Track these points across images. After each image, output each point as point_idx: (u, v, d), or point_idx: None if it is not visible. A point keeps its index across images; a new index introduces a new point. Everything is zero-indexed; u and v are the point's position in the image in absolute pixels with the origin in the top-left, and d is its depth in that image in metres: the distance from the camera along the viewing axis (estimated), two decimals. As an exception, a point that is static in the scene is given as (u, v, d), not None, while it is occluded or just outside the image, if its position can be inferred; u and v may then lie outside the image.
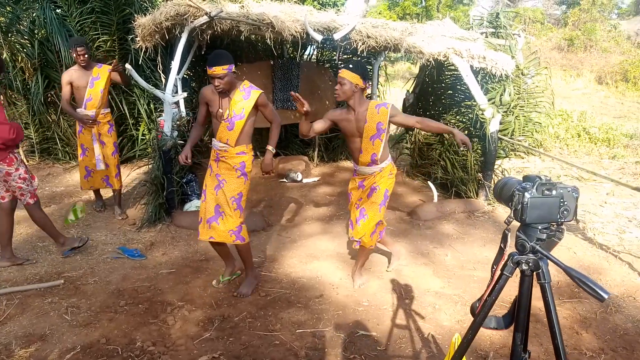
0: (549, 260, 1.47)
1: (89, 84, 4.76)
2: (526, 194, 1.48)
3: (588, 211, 5.29)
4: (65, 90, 4.77)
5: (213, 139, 3.44)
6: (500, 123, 5.43)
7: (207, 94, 3.38)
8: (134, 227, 4.81)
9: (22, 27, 6.87)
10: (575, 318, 3.25)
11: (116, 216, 5.08)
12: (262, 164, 3.49)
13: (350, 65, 3.30)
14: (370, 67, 7.71)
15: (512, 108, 5.65)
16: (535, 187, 1.48)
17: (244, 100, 3.30)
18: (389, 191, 3.56)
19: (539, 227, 1.50)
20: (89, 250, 4.26)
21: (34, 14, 6.69)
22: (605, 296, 1.29)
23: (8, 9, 6.87)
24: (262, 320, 3.19)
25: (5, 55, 6.59)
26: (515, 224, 1.58)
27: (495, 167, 5.59)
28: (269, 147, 3.44)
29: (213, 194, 3.42)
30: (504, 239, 1.57)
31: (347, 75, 3.29)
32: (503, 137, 5.56)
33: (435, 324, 3.18)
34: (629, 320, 3.22)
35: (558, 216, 1.48)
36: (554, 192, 1.47)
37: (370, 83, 3.34)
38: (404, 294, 3.58)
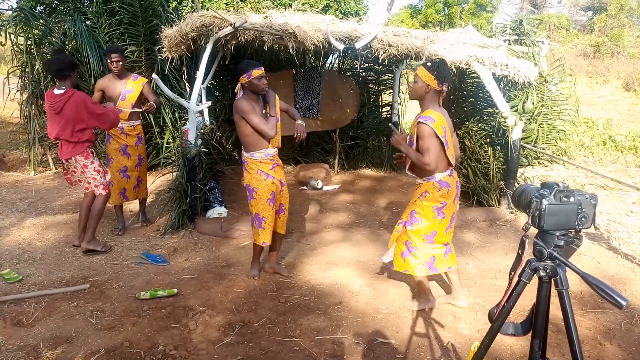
0: (566, 267, 1.46)
1: (121, 96, 4.71)
2: (544, 200, 1.48)
3: (613, 220, 5.17)
4: (95, 97, 4.74)
5: (262, 150, 3.63)
6: (523, 131, 5.38)
7: (252, 103, 3.55)
8: (157, 233, 4.90)
9: (54, 39, 7.10)
10: (598, 329, 3.18)
11: (140, 223, 5.17)
12: (298, 130, 3.65)
13: (428, 64, 3.09)
14: (392, 75, 7.74)
15: (536, 116, 5.59)
16: (553, 194, 1.49)
17: (275, 103, 3.69)
18: (417, 214, 3.26)
19: (557, 234, 1.50)
20: (114, 256, 4.36)
21: (65, 26, 6.91)
22: (623, 303, 1.28)
23: (41, 21, 7.12)
24: (281, 326, 3.21)
25: (37, 65, 6.83)
26: (534, 230, 1.58)
27: (518, 175, 5.53)
28: (299, 121, 3.74)
29: (280, 195, 3.81)
30: (522, 246, 1.57)
31: (421, 73, 3.09)
32: (526, 145, 5.50)
33: (455, 332, 3.16)
34: (656, 332, 3.15)
35: (576, 223, 1.48)
36: (571, 199, 1.47)
37: (448, 86, 3.19)
38: (424, 302, 3.56)
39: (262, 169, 3.67)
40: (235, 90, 3.66)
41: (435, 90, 3.09)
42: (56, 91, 4.05)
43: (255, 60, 7.21)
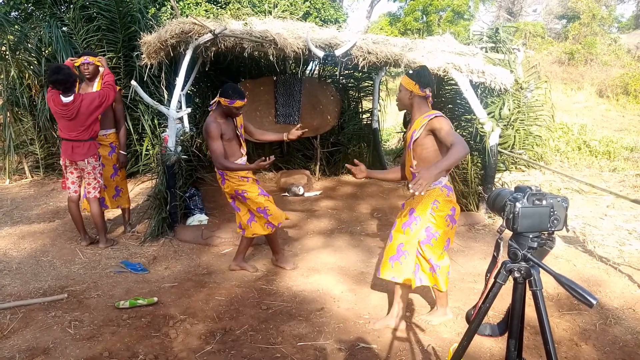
0: (540, 268, 1.51)
1: None
2: (517, 203, 1.52)
3: (588, 224, 5.30)
4: None
5: (238, 160, 3.89)
6: (500, 136, 5.48)
7: (222, 126, 3.75)
8: (137, 242, 4.85)
9: (29, 45, 7.00)
10: (574, 330, 3.25)
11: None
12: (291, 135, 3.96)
13: (410, 71, 3.07)
14: (372, 82, 7.82)
15: (512, 122, 5.72)
16: (526, 197, 1.53)
17: (236, 121, 3.90)
18: (434, 229, 3.03)
19: (530, 236, 1.54)
20: (92, 265, 4.29)
21: (41, 32, 6.83)
22: (594, 302, 1.32)
23: (16, 27, 7.01)
24: (263, 334, 3.21)
25: (13, 72, 6.72)
26: (509, 233, 1.62)
27: (496, 180, 5.63)
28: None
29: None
30: (497, 248, 1.61)
31: (403, 81, 3.07)
32: (503, 150, 5.61)
33: (436, 336, 3.19)
34: (629, 332, 3.23)
35: (548, 225, 1.52)
36: (544, 202, 1.52)
37: (431, 91, 3.05)
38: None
39: (241, 175, 3.87)
40: (211, 103, 3.79)
41: (419, 96, 3.03)
42: (64, 99, 4.20)
43: (235, 67, 7.22)
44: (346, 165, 3.14)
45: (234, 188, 3.87)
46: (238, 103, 3.63)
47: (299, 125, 4.00)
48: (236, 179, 3.85)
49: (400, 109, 3.25)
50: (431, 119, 2.93)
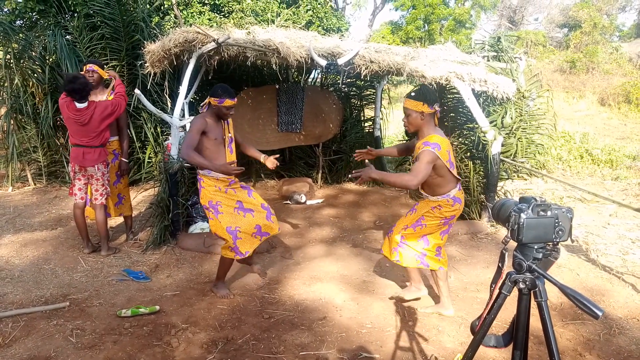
0: (545, 279, 1.50)
1: None
2: (522, 214, 1.52)
3: (591, 233, 5.29)
4: None
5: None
6: (503, 145, 5.48)
7: (208, 125, 3.57)
8: (139, 249, 4.85)
9: (34, 53, 7.05)
10: (578, 340, 3.23)
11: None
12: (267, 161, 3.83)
13: (412, 94, 3.19)
14: (374, 91, 7.84)
15: (514, 130, 5.71)
16: (530, 208, 1.53)
17: (228, 126, 3.76)
18: (425, 219, 3.37)
19: (535, 247, 1.54)
20: (94, 273, 4.29)
21: (46, 41, 6.87)
22: (600, 313, 1.32)
23: (21, 35, 7.06)
24: (265, 343, 3.19)
25: (17, 80, 6.75)
26: (513, 243, 1.62)
27: (498, 188, 5.62)
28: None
29: (250, 199, 3.76)
30: (502, 259, 1.61)
31: (409, 104, 3.17)
32: (505, 159, 5.60)
33: (439, 346, 3.18)
34: (633, 342, 3.20)
35: (553, 236, 1.52)
36: (549, 213, 1.52)
37: (439, 105, 3.22)
38: (407, 316, 3.58)
39: (219, 186, 3.63)
40: (202, 105, 3.73)
41: (429, 114, 3.16)
42: (79, 105, 4.31)
43: (238, 75, 7.25)
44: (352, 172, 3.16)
45: (208, 198, 3.62)
46: (227, 102, 3.52)
47: (277, 155, 3.85)
48: (212, 187, 3.60)
49: (411, 132, 3.33)
50: (422, 150, 3.10)
